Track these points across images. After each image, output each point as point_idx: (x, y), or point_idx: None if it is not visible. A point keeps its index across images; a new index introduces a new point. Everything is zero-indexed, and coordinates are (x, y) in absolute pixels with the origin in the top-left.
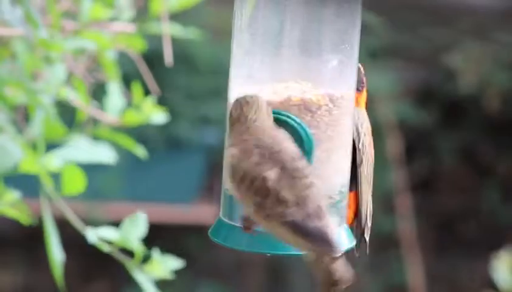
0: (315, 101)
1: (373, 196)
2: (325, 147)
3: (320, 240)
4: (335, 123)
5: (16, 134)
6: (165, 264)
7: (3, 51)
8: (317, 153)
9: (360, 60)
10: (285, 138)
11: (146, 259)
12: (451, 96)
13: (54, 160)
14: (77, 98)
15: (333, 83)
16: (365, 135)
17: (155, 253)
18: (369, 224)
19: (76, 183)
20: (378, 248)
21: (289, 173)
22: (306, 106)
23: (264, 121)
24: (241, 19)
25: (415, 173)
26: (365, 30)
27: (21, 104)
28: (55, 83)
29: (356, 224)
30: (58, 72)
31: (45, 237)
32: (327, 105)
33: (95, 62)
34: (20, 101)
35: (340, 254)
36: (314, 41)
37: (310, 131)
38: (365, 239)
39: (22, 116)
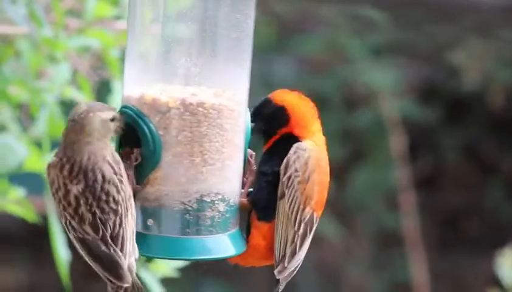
0: (164, 102)
1: (378, 193)
2: (174, 151)
3: (108, 267)
4: (187, 128)
5: (21, 133)
6: (169, 263)
7: (7, 49)
8: (166, 156)
9: (363, 57)
10: (110, 161)
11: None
12: (455, 93)
13: None
14: (81, 97)
15: (219, 89)
16: (296, 170)
17: None
18: (287, 263)
19: None
20: (382, 246)
21: (94, 193)
22: (155, 106)
23: (94, 139)
24: (135, 18)
25: (419, 170)
26: (368, 26)
27: (25, 103)
28: (60, 81)
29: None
30: (63, 70)
31: (50, 235)
32: (178, 109)
33: (99, 60)
34: (24, 100)
35: (125, 286)
36: (206, 44)
37: (158, 131)
38: (276, 277)
39: (26, 114)
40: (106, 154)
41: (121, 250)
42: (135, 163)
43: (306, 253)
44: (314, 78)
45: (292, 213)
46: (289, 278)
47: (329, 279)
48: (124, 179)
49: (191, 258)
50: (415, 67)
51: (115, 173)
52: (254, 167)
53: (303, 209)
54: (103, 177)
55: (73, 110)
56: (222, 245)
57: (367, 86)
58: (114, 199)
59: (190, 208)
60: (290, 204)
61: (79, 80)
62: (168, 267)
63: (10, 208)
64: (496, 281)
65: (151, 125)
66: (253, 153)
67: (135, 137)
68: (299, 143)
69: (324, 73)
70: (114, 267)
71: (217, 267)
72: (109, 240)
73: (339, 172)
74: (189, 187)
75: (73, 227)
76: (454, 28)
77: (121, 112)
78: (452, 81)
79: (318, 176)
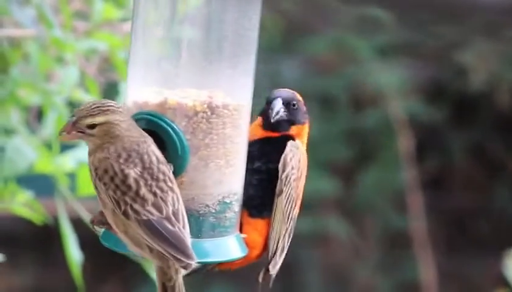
0: (191, 106)
1: (385, 194)
2: (201, 155)
3: (175, 245)
4: (214, 131)
5: (29, 135)
6: None
7: (15, 52)
8: (192, 160)
9: (371, 57)
10: (151, 143)
11: None
12: (462, 93)
13: (69, 161)
14: (89, 98)
15: (227, 91)
16: (292, 168)
17: None
18: (278, 258)
19: (91, 183)
20: (390, 246)
21: (152, 174)
22: (182, 111)
23: (130, 126)
24: (137, 23)
25: (426, 171)
26: (376, 27)
27: (34, 105)
28: (68, 83)
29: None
30: (71, 72)
31: (62, 237)
32: (205, 112)
33: (107, 63)
34: (33, 102)
35: (192, 265)
36: (213, 47)
37: (185, 136)
38: (268, 271)
39: (34, 116)
40: (151, 143)
41: (183, 227)
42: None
43: (315, 252)
44: (322, 78)
45: (287, 210)
46: (274, 275)
47: (337, 279)
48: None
49: (212, 260)
50: (422, 67)
51: (162, 155)
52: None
53: (295, 206)
54: (157, 158)
55: (101, 109)
56: (233, 246)
57: (374, 87)
58: (169, 178)
59: (213, 211)
60: (287, 202)
61: (87, 82)
62: None
63: (18, 210)
64: (504, 282)
65: (178, 131)
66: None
67: (157, 144)
68: (292, 141)
69: (331, 74)
70: (180, 245)
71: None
72: (172, 217)
73: (347, 173)
74: (213, 189)
75: (135, 211)
76: (461, 29)
77: (138, 119)
78: (459, 81)
79: (305, 173)
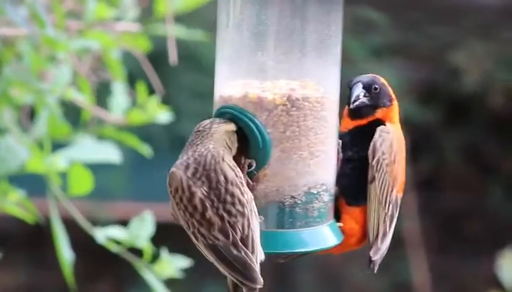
0: (271, 100)
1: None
2: (283, 147)
3: (240, 271)
4: (295, 123)
5: (22, 134)
6: (173, 264)
7: (8, 51)
8: (274, 153)
9: (365, 58)
10: (230, 164)
11: (153, 259)
12: (455, 94)
13: (60, 160)
14: (82, 98)
15: (317, 81)
16: (383, 153)
17: (164, 253)
18: (380, 244)
19: (83, 183)
20: None
21: (219, 196)
22: (262, 105)
23: (216, 143)
24: (228, 18)
25: (420, 172)
26: (370, 28)
27: (26, 104)
28: (61, 83)
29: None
30: (64, 72)
31: (53, 237)
32: (285, 105)
33: (99, 62)
34: (25, 101)
35: (258, 288)
36: (296, 41)
37: (266, 130)
38: (370, 258)
39: (26, 115)
40: (225, 157)
41: (252, 252)
42: (248, 170)
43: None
44: None
45: (382, 195)
46: (381, 260)
47: (331, 280)
48: (244, 181)
49: (303, 250)
50: (416, 68)
51: (236, 175)
52: (341, 155)
53: (391, 191)
54: (225, 178)
55: (199, 123)
56: (327, 235)
57: None
58: (239, 200)
59: (299, 202)
60: (381, 187)
61: (80, 82)
62: (171, 268)
63: (10, 209)
64: (497, 283)
65: (259, 124)
66: (340, 141)
67: (239, 137)
68: (382, 126)
69: None
70: (246, 270)
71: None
72: (240, 243)
73: None
74: (298, 181)
75: (202, 234)
76: (454, 30)
77: (222, 113)
78: (453, 82)
79: (400, 156)
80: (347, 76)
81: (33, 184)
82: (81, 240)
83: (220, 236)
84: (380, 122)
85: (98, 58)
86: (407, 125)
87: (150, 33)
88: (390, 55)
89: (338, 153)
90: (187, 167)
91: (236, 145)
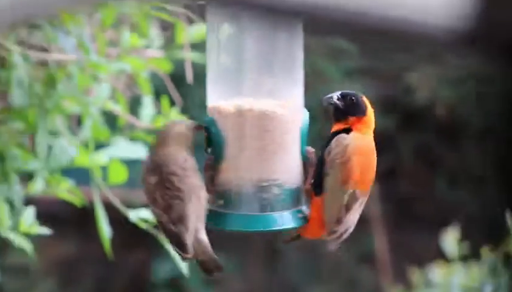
0: (230, 109)
1: None
2: (236, 146)
3: (176, 242)
4: (242, 128)
5: (71, 137)
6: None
7: (60, 72)
8: (229, 149)
9: (340, 79)
10: (179, 161)
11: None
12: (409, 106)
13: (102, 157)
14: (118, 109)
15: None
16: (336, 154)
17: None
18: (334, 227)
19: (120, 175)
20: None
21: (164, 183)
22: (224, 113)
23: (174, 144)
24: (216, 42)
25: (382, 166)
26: (343, 54)
27: (74, 113)
28: (102, 97)
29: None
30: (104, 88)
31: (96, 217)
32: (234, 113)
33: (132, 80)
34: (74, 111)
35: (188, 256)
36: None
37: (223, 132)
38: (327, 239)
39: (75, 122)
40: (178, 158)
41: (186, 229)
42: (209, 163)
43: (293, 231)
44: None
45: (335, 188)
46: (339, 242)
47: (311, 254)
48: (189, 172)
49: (260, 229)
50: (379, 86)
51: (183, 168)
52: (314, 160)
53: (344, 185)
54: (169, 170)
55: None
56: (280, 220)
57: None
58: (177, 188)
59: (252, 191)
60: (333, 181)
61: (117, 96)
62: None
63: (62, 195)
64: (441, 254)
65: (218, 127)
66: (313, 150)
67: (206, 137)
68: (342, 134)
69: (308, 92)
70: (180, 242)
71: (220, 241)
72: (177, 221)
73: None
74: (250, 175)
75: (154, 212)
76: (410, 56)
77: (205, 121)
78: (407, 97)
79: (359, 158)
80: (326, 93)
81: (80, 175)
82: (117, 220)
83: (163, 215)
84: (349, 130)
85: (131, 77)
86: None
87: (172, 58)
88: (360, 75)
89: (311, 159)
90: (148, 161)
91: (191, 139)
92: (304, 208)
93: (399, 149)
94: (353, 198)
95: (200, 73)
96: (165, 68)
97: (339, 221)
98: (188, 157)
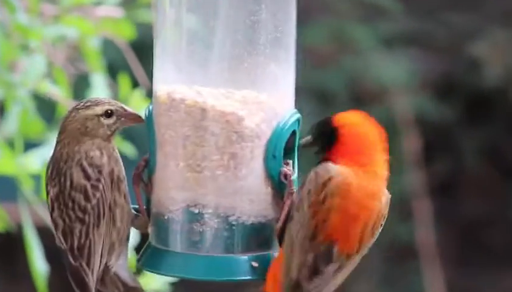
0: (163, 98)
1: (389, 200)
2: (164, 151)
3: (75, 280)
4: (171, 127)
5: None
6: (158, 278)
7: None
8: (159, 157)
9: (375, 48)
10: (85, 165)
11: (137, 272)
12: (475, 89)
13: (33, 161)
14: (57, 91)
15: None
16: (309, 192)
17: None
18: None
19: None
20: (395, 258)
21: (64, 199)
22: (157, 104)
23: (73, 140)
24: (163, 21)
25: (435, 175)
26: (379, 14)
27: None
28: (34, 74)
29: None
30: (37, 62)
31: (25, 246)
32: (166, 104)
33: (77, 51)
34: None
35: None
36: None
37: (156, 130)
38: None
39: None
40: (83, 157)
41: (88, 264)
42: (137, 172)
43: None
44: (319, 71)
45: (296, 240)
46: None
47: None
48: (104, 182)
49: (178, 276)
50: (431, 60)
51: (88, 178)
52: (294, 189)
53: (313, 236)
54: (71, 182)
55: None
56: (209, 267)
57: (378, 81)
58: (80, 207)
59: (177, 219)
60: (298, 229)
61: (55, 73)
62: (159, 281)
63: None
64: None
65: (153, 124)
66: (291, 172)
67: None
68: (325, 163)
69: (329, 67)
70: (80, 282)
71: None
72: (76, 251)
73: None
74: (176, 194)
75: (53, 234)
76: (475, 17)
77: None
78: (472, 75)
79: (344, 203)
80: (353, 67)
81: (2, 187)
82: (56, 250)
83: (62, 240)
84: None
85: (76, 47)
86: (421, 122)
87: (134, 19)
88: (403, 44)
89: (289, 186)
90: (48, 167)
91: (104, 130)
92: (266, 255)
93: (460, 151)
94: (325, 258)
95: None
96: (124, 33)
97: (294, 287)
98: (105, 160)
